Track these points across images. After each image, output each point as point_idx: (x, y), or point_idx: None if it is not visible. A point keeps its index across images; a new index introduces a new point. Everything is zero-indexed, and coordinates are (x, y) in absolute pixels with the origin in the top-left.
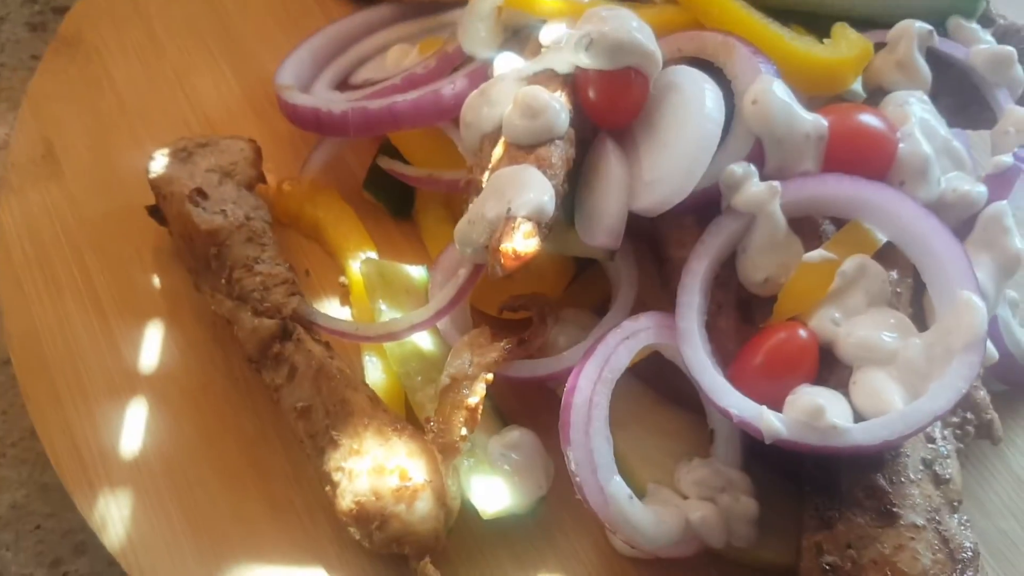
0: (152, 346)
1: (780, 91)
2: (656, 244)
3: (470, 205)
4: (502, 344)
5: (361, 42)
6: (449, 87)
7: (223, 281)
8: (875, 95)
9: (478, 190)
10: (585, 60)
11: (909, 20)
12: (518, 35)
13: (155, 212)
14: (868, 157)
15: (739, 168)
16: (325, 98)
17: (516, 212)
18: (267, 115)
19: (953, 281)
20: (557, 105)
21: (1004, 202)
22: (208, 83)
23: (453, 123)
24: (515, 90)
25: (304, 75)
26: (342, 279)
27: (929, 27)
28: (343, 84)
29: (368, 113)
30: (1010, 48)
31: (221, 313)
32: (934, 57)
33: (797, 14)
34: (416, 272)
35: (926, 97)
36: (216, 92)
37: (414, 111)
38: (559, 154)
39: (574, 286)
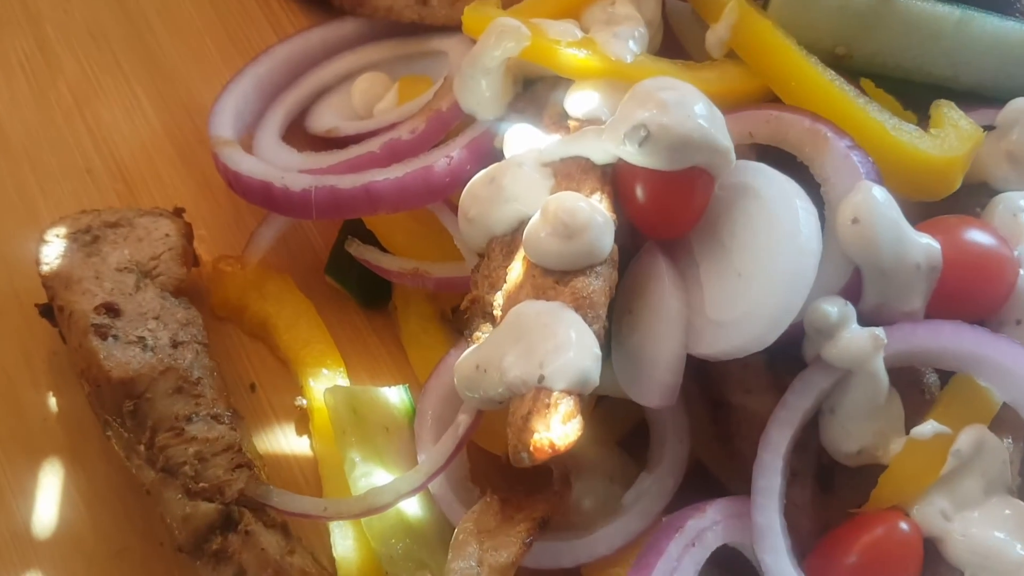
0: (49, 498)
1: (888, 207)
2: (709, 381)
3: (478, 337)
4: (519, 532)
5: (320, 67)
6: (443, 161)
7: (142, 446)
8: (974, 191)
9: (487, 314)
10: (637, 157)
11: None
12: (532, 91)
13: (48, 313)
14: (982, 289)
15: (833, 309)
16: (279, 167)
17: (552, 384)
18: (197, 159)
19: None
20: (601, 219)
21: None
22: (118, 114)
23: (447, 203)
24: (536, 180)
25: (247, 114)
26: (299, 400)
27: None
28: (297, 126)
29: (338, 193)
30: None
31: (141, 482)
32: None
33: (887, 80)
34: (396, 397)
35: None
36: (129, 126)
37: (398, 192)
38: (601, 286)
39: (595, 412)
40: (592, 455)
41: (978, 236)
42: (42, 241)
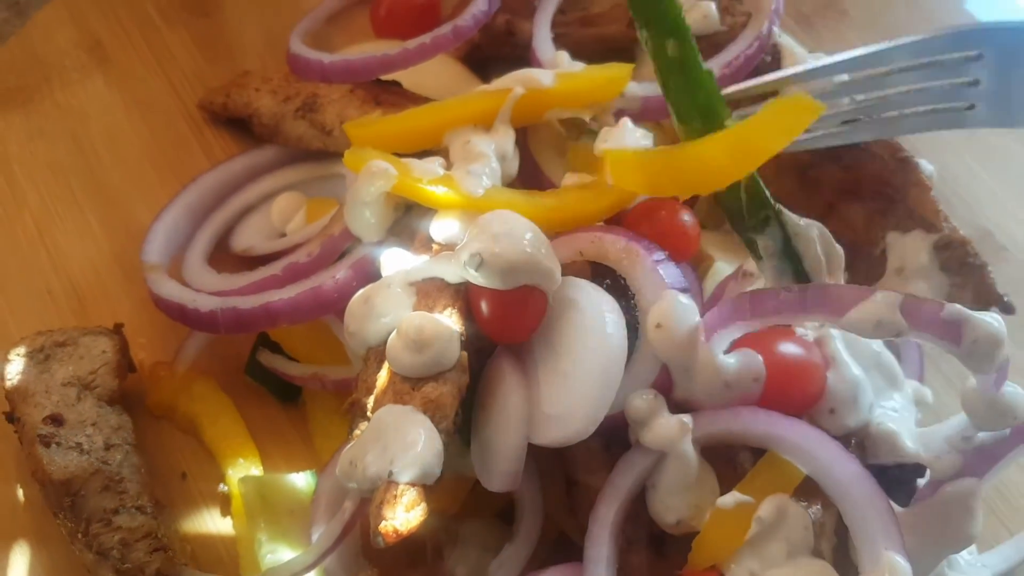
0: (19, 572)
1: (687, 313)
2: (563, 462)
3: (356, 434)
4: None
5: (244, 190)
6: (331, 281)
7: (80, 534)
8: None
9: (363, 413)
10: (477, 279)
11: None
12: (407, 216)
13: (13, 419)
14: (798, 390)
15: (643, 402)
16: (199, 288)
17: (399, 478)
18: (138, 277)
19: (878, 538)
20: (447, 335)
21: (977, 481)
22: (73, 239)
23: (338, 316)
24: (401, 298)
25: (178, 239)
26: (222, 487)
27: None
28: (222, 245)
29: (241, 313)
30: None
31: (83, 563)
32: None
33: None
34: (302, 482)
35: None
36: (82, 250)
37: (292, 310)
38: (449, 390)
39: (475, 488)
40: (468, 527)
41: (791, 348)
42: (6, 360)
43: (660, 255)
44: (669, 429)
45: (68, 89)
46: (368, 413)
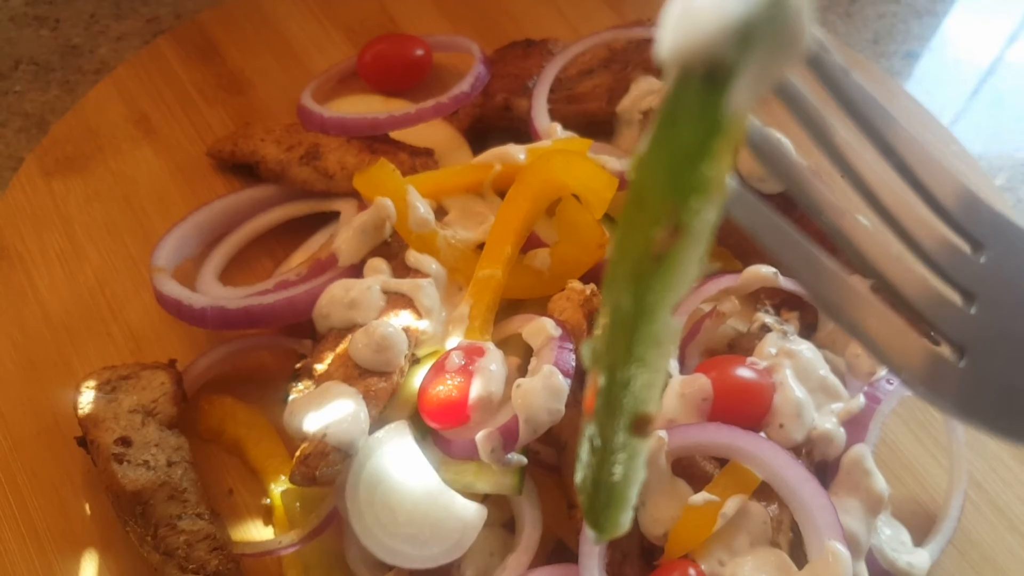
0: None
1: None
2: (564, 487)
3: (297, 389)
4: None
5: (254, 219)
6: (304, 293)
7: (149, 537)
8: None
9: (310, 375)
10: None
11: None
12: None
13: (83, 443)
14: (749, 406)
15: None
16: (188, 290)
17: (329, 439)
18: (186, 324)
19: (821, 529)
20: (400, 348)
21: (863, 445)
22: (129, 289)
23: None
24: (375, 300)
25: (186, 250)
26: (266, 500)
27: None
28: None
29: (226, 312)
30: None
31: (150, 562)
32: None
33: None
34: None
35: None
36: (137, 297)
37: (268, 313)
38: (387, 388)
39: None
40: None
41: (742, 372)
42: (78, 391)
43: (567, 341)
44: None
45: (120, 157)
46: (314, 376)
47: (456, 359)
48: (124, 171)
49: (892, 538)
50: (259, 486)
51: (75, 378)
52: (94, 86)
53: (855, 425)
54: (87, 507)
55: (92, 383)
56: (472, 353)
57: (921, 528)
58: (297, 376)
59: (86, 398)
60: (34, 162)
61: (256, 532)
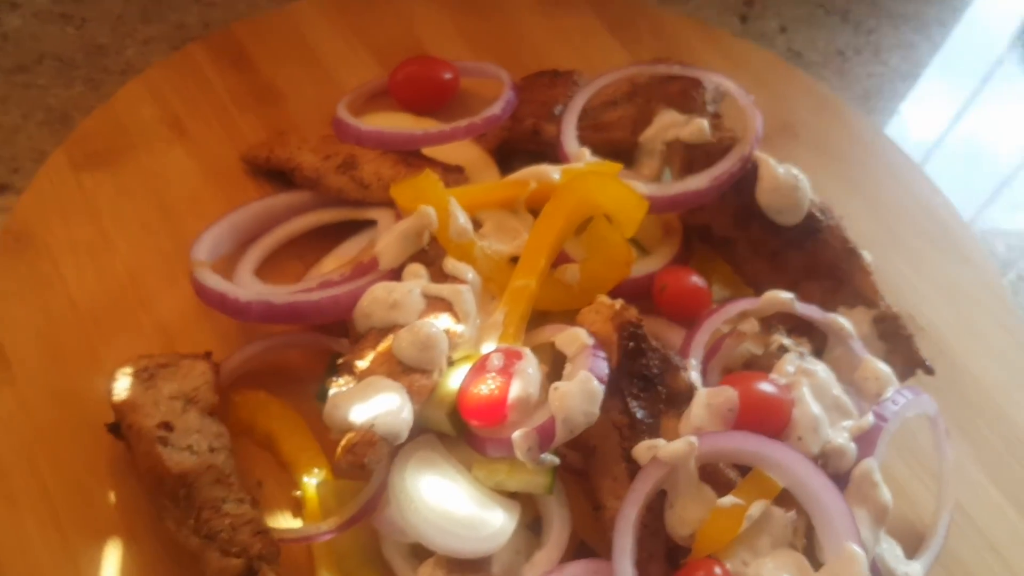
0: (112, 564)
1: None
2: (592, 489)
3: (338, 383)
4: None
5: (289, 222)
6: (347, 294)
7: (191, 520)
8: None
9: (351, 371)
10: None
11: None
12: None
13: (115, 430)
14: (769, 420)
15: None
16: (232, 284)
17: (377, 429)
18: (219, 319)
19: (839, 533)
20: (444, 346)
21: (872, 459)
22: (162, 282)
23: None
24: (415, 302)
25: (223, 247)
26: (296, 492)
27: None
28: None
29: (272, 306)
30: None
31: (187, 548)
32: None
33: None
34: None
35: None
36: (168, 292)
37: (314, 309)
38: (428, 384)
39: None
40: None
41: (764, 386)
42: (113, 378)
43: (600, 350)
44: (681, 447)
45: (151, 156)
46: (355, 372)
47: (496, 361)
48: (155, 169)
49: (888, 550)
50: (288, 479)
51: (102, 368)
52: (121, 85)
53: (864, 442)
54: (112, 496)
55: (129, 370)
56: (511, 356)
57: (911, 545)
58: (337, 372)
59: (122, 384)
60: (62, 154)
61: (285, 524)
